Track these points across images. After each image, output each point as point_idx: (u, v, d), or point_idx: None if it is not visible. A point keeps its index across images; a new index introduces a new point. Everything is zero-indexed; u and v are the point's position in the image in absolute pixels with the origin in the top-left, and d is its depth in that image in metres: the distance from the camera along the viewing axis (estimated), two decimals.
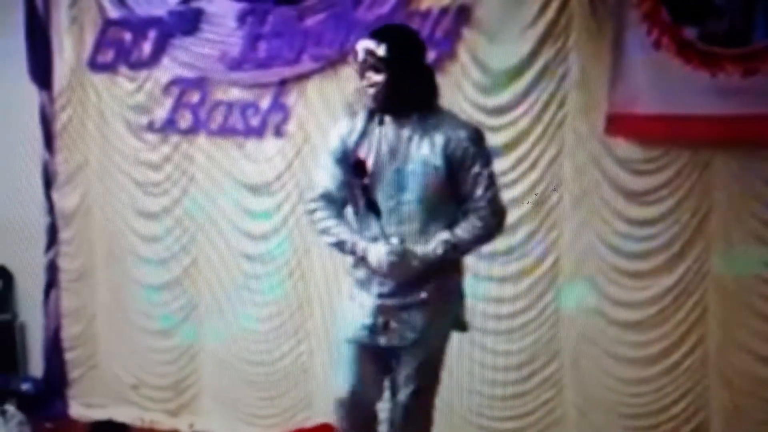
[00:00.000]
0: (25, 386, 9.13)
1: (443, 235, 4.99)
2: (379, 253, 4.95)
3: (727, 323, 6.91)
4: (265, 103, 8.22)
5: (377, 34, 5.08)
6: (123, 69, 8.69)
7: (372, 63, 5.01)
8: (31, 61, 8.97)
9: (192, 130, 8.52)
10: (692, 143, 6.86)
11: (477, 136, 5.10)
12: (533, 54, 7.25)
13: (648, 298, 7.08)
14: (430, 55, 7.34)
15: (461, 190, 5.00)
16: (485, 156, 5.09)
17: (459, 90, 7.49)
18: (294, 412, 8.18)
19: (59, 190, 9.08)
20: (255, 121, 8.26)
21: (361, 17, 7.75)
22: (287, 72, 8.10)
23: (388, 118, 5.03)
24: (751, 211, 6.80)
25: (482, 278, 7.43)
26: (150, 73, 8.59)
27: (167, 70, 8.52)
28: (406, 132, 4.99)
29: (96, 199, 8.98)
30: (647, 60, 6.83)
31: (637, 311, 7.13)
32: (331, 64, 7.93)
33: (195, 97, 8.46)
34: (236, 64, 8.24)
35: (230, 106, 8.36)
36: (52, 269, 9.18)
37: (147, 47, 8.56)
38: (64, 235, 9.12)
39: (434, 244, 4.98)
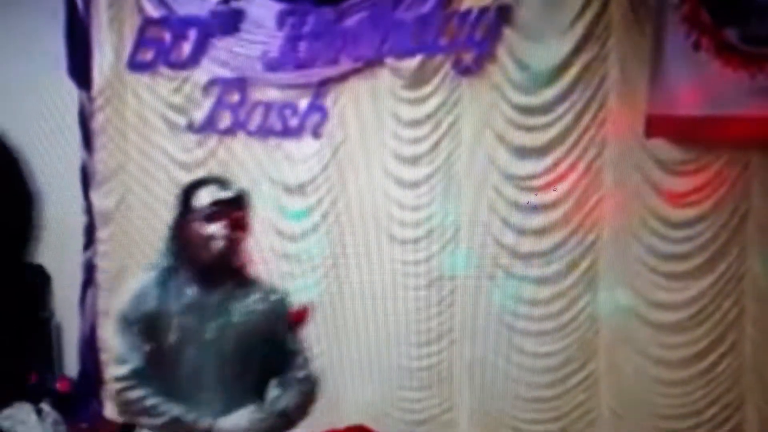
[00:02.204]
0: (60, 385, 9.17)
1: None
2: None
3: (764, 325, 6.91)
4: (303, 103, 8.27)
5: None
6: (162, 69, 8.76)
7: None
8: (71, 60, 9.03)
9: (231, 131, 8.58)
10: (731, 144, 6.87)
11: None
12: (573, 54, 7.28)
13: (685, 299, 7.10)
14: (469, 57, 7.49)
15: None
16: None
17: (498, 90, 7.53)
18: (325, 412, 8.17)
19: (97, 190, 9.15)
20: (293, 122, 8.32)
21: (400, 17, 7.80)
22: (326, 73, 8.15)
23: None
24: None
25: (520, 279, 7.51)
26: (190, 73, 8.65)
27: (207, 70, 8.58)
28: None
29: (134, 199, 9.04)
30: (687, 61, 6.85)
31: (674, 313, 7.14)
32: (369, 64, 7.99)
33: (234, 97, 8.52)
34: (275, 65, 8.30)
35: (269, 106, 8.41)
36: (89, 269, 9.25)
37: (187, 47, 8.64)
38: (101, 234, 9.18)
39: None
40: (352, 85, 8.13)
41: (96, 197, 9.16)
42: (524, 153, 7.55)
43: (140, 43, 8.81)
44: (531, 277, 7.51)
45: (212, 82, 8.58)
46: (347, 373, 8.16)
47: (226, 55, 8.49)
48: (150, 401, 4.24)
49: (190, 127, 8.70)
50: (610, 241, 7.31)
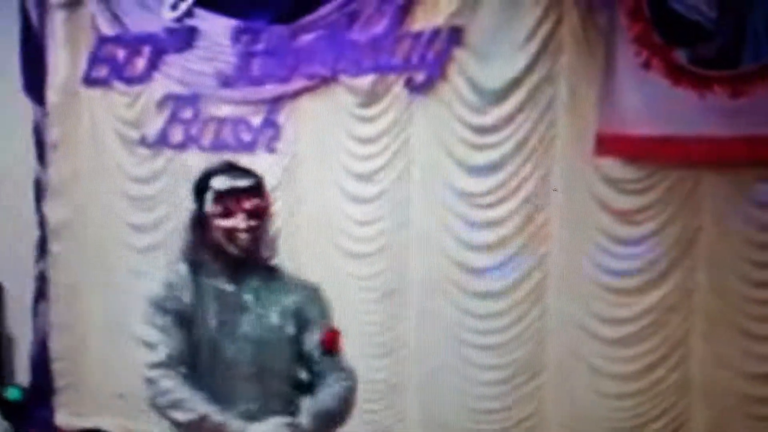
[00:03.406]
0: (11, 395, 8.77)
1: None
2: None
3: (712, 341, 6.63)
4: (257, 120, 7.94)
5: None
6: (117, 84, 8.43)
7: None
8: (26, 76, 8.71)
9: (184, 146, 8.25)
10: (681, 164, 6.60)
11: None
12: (524, 74, 6.99)
13: (633, 314, 6.79)
14: (421, 76, 7.20)
15: None
16: None
17: (449, 109, 7.25)
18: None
19: (51, 203, 8.79)
20: (246, 138, 7.99)
21: (354, 37, 7.50)
22: (279, 90, 7.83)
23: None
24: (738, 232, 6.53)
25: (470, 294, 7.22)
26: (143, 89, 8.33)
27: (161, 85, 8.26)
28: None
29: (87, 213, 8.69)
30: (637, 81, 6.57)
31: (623, 327, 6.84)
32: (323, 82, 7.68)
33: (187, 113, 8.18)
34: (229, 82, 7.98)
35: (222, 122, 8.09)
36: (42, 281, 8.86)
37: (141, 63, 8.30)
38: (54, 247, 8.81)
39: None
40: (306, 102, 7.82)
41: (49, 210, 8.80)
42: (475, 170, 7.26)
43: (95, 59, 8.49)
44: (481, 292, 7.16)
45: (166, 98, 8.26)
46: None
47: (180, 72, 8.17)
48: (179, 394, 3.77)
49: (143, 141, 8.37)
50: (560, 257, 7.03)
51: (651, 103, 6.55)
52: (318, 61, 7.62)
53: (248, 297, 3.96)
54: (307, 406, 3.94)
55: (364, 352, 7.53)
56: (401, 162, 7.50)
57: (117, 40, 8.39)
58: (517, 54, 6.99)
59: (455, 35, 7.18)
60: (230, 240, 3.86)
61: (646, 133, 6.58)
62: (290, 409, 3.94)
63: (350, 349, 7.53)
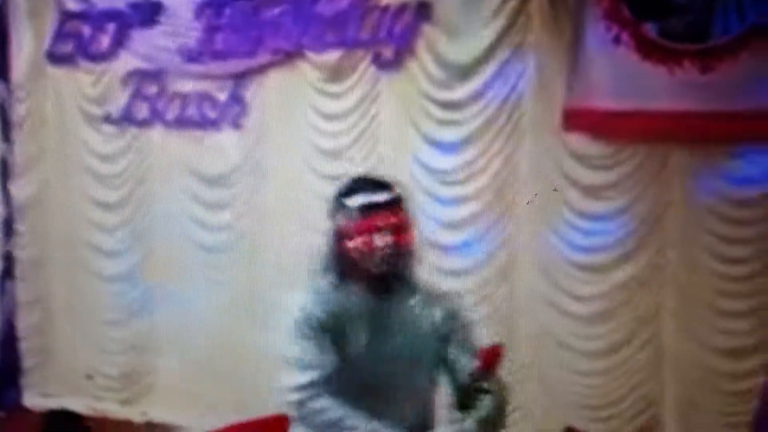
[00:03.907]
0: None
1: None
2: None
3: (682, 318, 6.57)
4: (222, 95, 7.80)
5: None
6: (82, 61, 8.24)
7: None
8: None
9: (148, 122, 8.09)
10: (649, 139, 6.52)
11: None
12: (492, 49, 6.88)
13: (603, 291, 6.73)
14: (389, 51, 7.07)
15: None
16: None
17: (417, 85, 7.14)
18: (249, 402, 7.68)
19: (16, 181, 8.58)
20: (212, 114, 7.84)
21: (319, 11, 7.35)
22: (245, 64, 7.67)
23: None
24: (709, 208, 6.47)
25: (438, 271, 7.07)
26: (108, 65, 8.15)
27: (125, 62, 8.09)
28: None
29: (53, 190, 8.53)
30: (606, 56, 6.49)
31: (592, 304, 6.78)
32: (288, 57, 7.52)
33: (152, 89, 8.03)
34: (194, 57, 7.81)
35: (187, 98, 7.94)
36: (8, 260, 8.66)
37: (105, 40, 8.12)
38: (20, 225, 8.63)
39: None
40: (272, 77, 7.67)
41: (14, 188, 8.59)
42: (444, 147, 7.15)
43: (59, 35, 8.30)
44: (449, 269, 7.02)
45: (130, 74, 8.10)
46: (275, 364, 7.63)
47: (145, 47, 8.00)
48: (338, 413, 3.55)
49: (108, 118, 8.21)
50: (529, 234, 6.94)
51: (620, 77, 6.47)
52: (282, 36, 7.47)
53: (392, 313, 3.74)
54: (466, 418, 3.62)
55: None
56: (369, 139, 7.39)
57: (82, 16, 8.20)
58: (485, 29, 6.88)
59: (423, 10, 7.06)
60: (369, 258, 3.65)
61: (614, 107, 6.50)
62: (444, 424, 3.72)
63: None
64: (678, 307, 6.56)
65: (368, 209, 3.66)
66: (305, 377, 3.60)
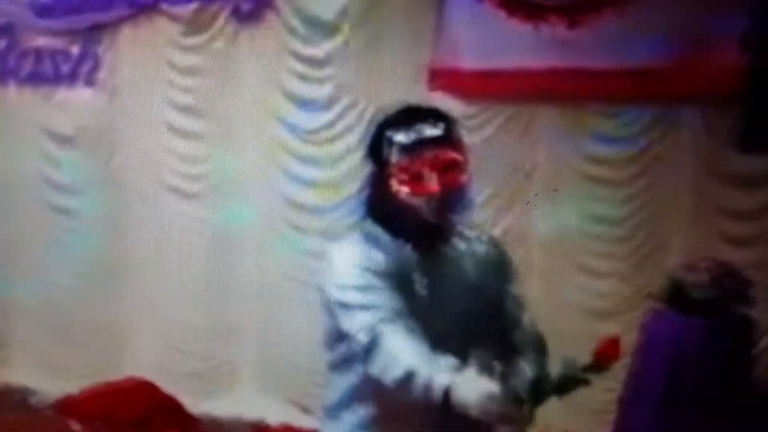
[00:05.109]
0: None
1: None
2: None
3: (552, 280, 6.59)
4: (75, 50, 7.61)
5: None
6: None
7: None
8: None
9: (1, 79, 7.87)
10: (514, 99, 6.52)
11: None
12: (354, 5, 6.80)
13: None
14: (247, 4, 6.93)
15: None
16: None
17: (279, 41, 7.04)
18: (104, 367, 7.60)
19: None
20: (65, 69, 7.66)
21: None
22: (98, 18, 7.49)
23: None
24: (575, 167, 6.50)
25: (306, 233, 7.05)
26: None
27: None
28: None
29: None
30: (470, 13, 6.46)
31: None
32: (144, 10, 7.36)
33: (2, 44, 7.79)
34: (46, 11, 7.60)
35: (39, 53, 7.73)
36: None
37: None
38: None
39: None
40: (126, 32, 7.52)
41: None
42: (307, 105, 7.09)
43: None
44: (317, 231, 6.95)
45: None
46: (130, 326, 7.71)
47: None
48: (392, 350, 2.94)
49: None
50: None
51: (484, 36, 6.46)
52: None
53: (450, 262, 3.27)
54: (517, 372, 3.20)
55: (199, 297, 7.39)
56: (229, 95, 7.27)
57: None
58: None
59: None
60: (419, 205, 3.14)
61: (479, 66, 6.48)
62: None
63: (184, 295, 7.43)
64: (546, 269, 6.56)
65: (418, 146, 3.13)
66: (372, 315, 3.04)
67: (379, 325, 3.01)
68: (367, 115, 6.83)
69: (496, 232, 6.51)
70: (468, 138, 6.28)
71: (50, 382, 7.70)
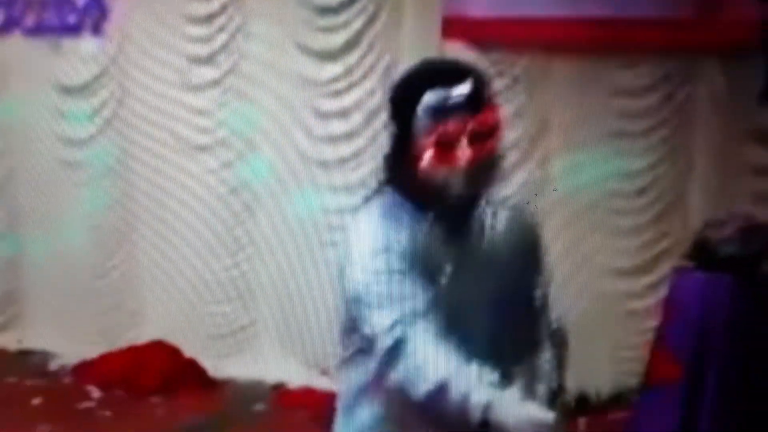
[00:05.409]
0: None
1: None
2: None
3: (569, 236, 6.44)
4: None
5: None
6: None
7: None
8: None
9: (5, 29, 7.75)
10: (530, 48, 6.39)
11: None
12: None
13: None
14: None
15: None
16: None
17: None
18: (124, 328, 7.58)
19: None
20: (71, 19, 7.53)
21: None
22: None
23: None
24: (593, 121, 6.36)
25: (321, 188, 6.98)
26: None
27: None
28: None
29: None
30: None
31: None
32: None
33: None
34: None
35: (45, 2, 7.59)
36: None
37: None
38: None
39: None
40: None
41: None
42: (319, 55, 6.96)
43: None
44: (332, 186, 6.93)
45: None
46: (146, 287, 7.63)
47: None
48: (416, 359, 2.67)
49: None
50: None
51: None
52: None
53: (478, 239, 2.94)
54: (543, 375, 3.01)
55: (210, 252, 7.34)
56: (240, 45, 7.16)
57: None
58: None
59: None
60: (447, 177, 2.78)
61: (493, 15, 6.36)
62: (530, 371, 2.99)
63: (199, 253, 7.37)
64: (563, 225, 6.44)
65: (447, 108, 2.73)
66: (400, 309, 2.75)
67: (403, 327, 2.72)
68: (381, 67, 6.77)
69: (513, 185, 6.49)
70: None
71: (67, 345, 7.69)
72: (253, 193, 7.24)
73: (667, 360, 5.34)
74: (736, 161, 6.17)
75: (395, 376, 2.72)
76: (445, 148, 2.70)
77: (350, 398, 2.98)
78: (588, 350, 6.44)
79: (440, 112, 2.70)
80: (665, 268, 6.16)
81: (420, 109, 2.71)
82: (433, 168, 2.73)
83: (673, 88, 6.24)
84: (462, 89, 2.73)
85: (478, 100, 2.73)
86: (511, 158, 6.42)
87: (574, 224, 6.48)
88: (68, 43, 7.57)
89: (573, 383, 6.10)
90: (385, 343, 2.72)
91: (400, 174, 2.83)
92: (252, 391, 7.06)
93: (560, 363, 3.02)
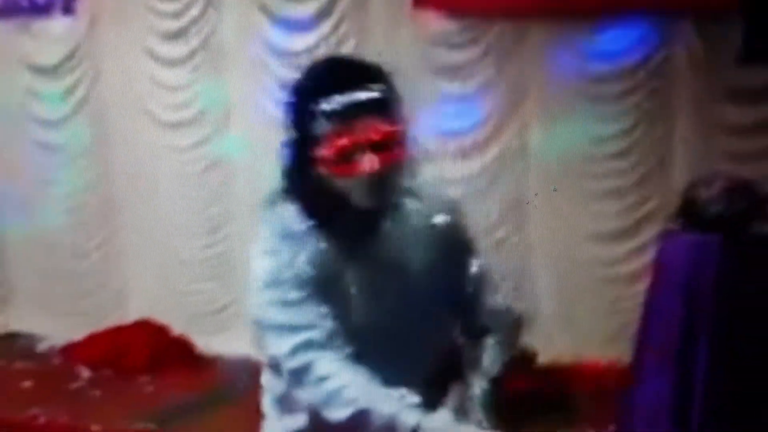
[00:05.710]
0: None
1: None
2: None
3: (545, 199, 6.46)
4: None
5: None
6: None
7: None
8: None
9: None
10: (505, 14, 6.27)
11: None
12: None
13: (464, 176, 6.52)
14: None
15: None
16: None
17: None
18: (109, 308, 7.56)
19: None
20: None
21: None
22: None
23: None
24: (570, 86, 6.29)
25: None
26: None
27: None
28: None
29: None
30: None
31: (458, 188, 6.55)
32: None
33: None
34: None
35: None
36: None
37: None
38: None
39: None
40: None
41: None
42: (292, 26, 6.87)
43: None
44: None
45: None
46: (128, 267, 7.61)
47: None
48: (333, 383, 2.54)
49: None
50: None
51: None
52: None
53: (388, 250, 2.74)
54: (475, 377, 2.85)
55: (190, 230, 7.30)
56: (211, 19, 7.08)
57: None
58: None
59: None
60: (349, 188, 2.58)
61: None
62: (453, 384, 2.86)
63: (179, 231, 7.33)
64: (543, 191, 6.43)
65: (348, 114, 2.52)
66: (299, 338, 2.60)
67: (306, 352, 2.59)
68: (352, 39, 6.69)
69: (492, 152, 6.44)
70: (457, 56, 6.22)
71: (53, 327, 7.68)
72: (230, 169, 7.19)
73: (659, 326, 5.33)
74: (716, 122, 6.10)
75: (305, 396, 2.60)
76: (348, 156, 2.52)
77: (271, 405, 2.87)
78: (571, 315, 6.48)
79: (343, 116, 2.50)
80: (650, 232, 6.12)
81: (321, 114, 2.52)
82: (334, 179, 2.56)
83: (649, 50, 6.14)
84: (368, 92, 2.53)
85: (385, 105, 2.54)
86: (488, 126, 6.42)
87: (557, 191, 6.42)
88: (38, 23, 7.49)
89: (554, 349, 6.17)
90: (288, 365, 2.61)
91: (300, 185, 2.65)
92: (240, 367, 7.04)
93: (509, 344, 2.86)
